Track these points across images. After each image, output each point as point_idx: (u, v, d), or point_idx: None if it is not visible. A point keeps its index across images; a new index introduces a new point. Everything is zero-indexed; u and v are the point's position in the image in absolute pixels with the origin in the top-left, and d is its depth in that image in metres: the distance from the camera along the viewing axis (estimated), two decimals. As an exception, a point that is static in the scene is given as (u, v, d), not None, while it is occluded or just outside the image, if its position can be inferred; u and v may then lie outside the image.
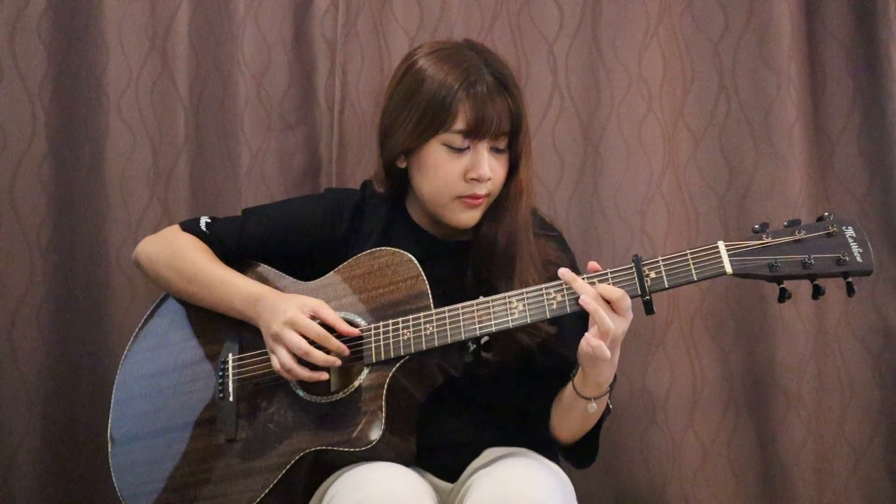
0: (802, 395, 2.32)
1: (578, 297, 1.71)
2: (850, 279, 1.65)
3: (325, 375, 1.83)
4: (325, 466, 1.84)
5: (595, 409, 1.79)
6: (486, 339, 1.82)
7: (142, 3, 2.39)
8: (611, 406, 1.85)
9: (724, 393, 2.37)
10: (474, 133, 1.85)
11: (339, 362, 1.82)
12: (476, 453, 1.91)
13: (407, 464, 1.82)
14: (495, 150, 1.88)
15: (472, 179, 1.87)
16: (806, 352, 2.32)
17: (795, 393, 2.32)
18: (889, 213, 2.34)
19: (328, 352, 1.82)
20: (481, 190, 1.88)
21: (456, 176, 1.87)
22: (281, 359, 1.83)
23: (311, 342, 1.81)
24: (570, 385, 1.81)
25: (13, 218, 2.37)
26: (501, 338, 1.82)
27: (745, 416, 2.36)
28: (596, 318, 1.69)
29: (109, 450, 1.98)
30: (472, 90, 1.84)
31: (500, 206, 1.91)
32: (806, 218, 2.29)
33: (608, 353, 1.69)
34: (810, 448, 2.33)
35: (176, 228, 2.06)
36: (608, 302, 1.69)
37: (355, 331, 1.84)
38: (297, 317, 1.82)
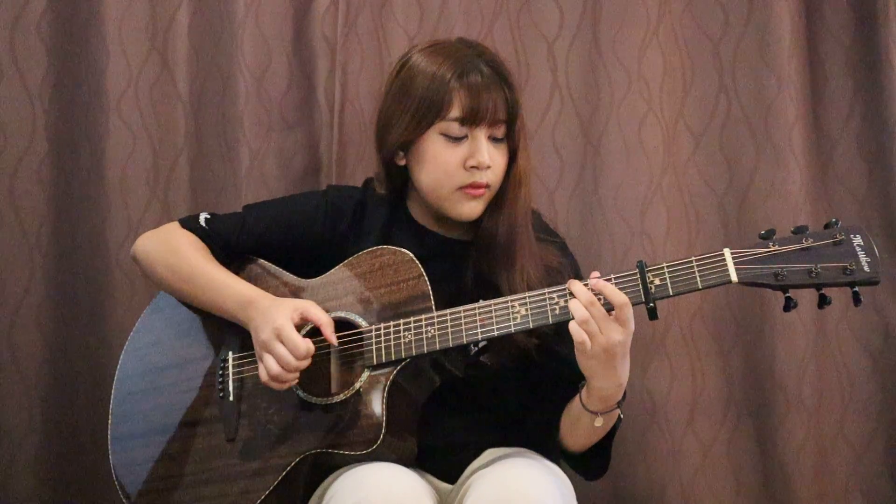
0: (802, 396, 2.32)
1: None
2: (856, 288, 1.62)
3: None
4: (325, 467, 1.83)
5: (601, 423, 1.79)
6: (484, 342, 1.81)
7: (142, 3, 2.39)
8: (622, 416, 1.84)
9: (723, 393, 2.36)
10: (471, 120, 1.85)
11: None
12: (476, 454, 1.91)
13: (407, 465, 1.81)
14: (494, 140, 1.88)
15: (472, 167, 1.86)
16: (806, 352, 2.32)
17: (795, 393, 2.32)
18: (889, 213, 2.33)
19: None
20: (482, 178, 1.87)
21: (456, 165, 1.87)
22: (268, 366, 1.80)
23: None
24: (577, 397, 1.80)
25: (13, 218, 2.37)
26: (499, 340, 1.81)
27: (745, 417, 2.36)
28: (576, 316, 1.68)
29: (109, 448, 1.98)
30: (467, 79, 1.84)
31: (500, 197, 1.91)
32: (805, 218, 2.30)
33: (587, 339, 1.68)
34: (810, 448, 2.32)
35: (175, 225, 2.04)
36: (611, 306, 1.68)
37: (334, 340, 1.82)
38: (284, 328, 1.80)
